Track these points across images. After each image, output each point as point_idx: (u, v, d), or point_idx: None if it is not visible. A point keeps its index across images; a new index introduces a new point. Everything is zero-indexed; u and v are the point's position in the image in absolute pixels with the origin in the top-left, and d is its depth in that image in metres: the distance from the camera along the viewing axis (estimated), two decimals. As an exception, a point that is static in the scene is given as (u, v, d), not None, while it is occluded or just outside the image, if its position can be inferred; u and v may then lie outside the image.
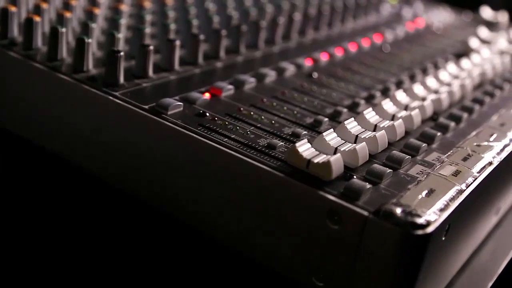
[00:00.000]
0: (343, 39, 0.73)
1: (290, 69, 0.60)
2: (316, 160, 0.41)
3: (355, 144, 0.43)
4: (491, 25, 0.92)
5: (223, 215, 0.44)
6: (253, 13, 0.70)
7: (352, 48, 0.71)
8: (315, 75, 0.60)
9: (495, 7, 0.99)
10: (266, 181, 0.41)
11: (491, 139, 0.51)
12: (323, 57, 0.66)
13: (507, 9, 1.00)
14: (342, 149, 0.43)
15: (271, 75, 0.57)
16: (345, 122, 0.46)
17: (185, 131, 0.44)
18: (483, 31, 0.82)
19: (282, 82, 0.57)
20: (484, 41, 0.79)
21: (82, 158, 0.51)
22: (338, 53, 0.68)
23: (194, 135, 0.44)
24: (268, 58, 0.63)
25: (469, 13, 0.97)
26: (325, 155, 0.41)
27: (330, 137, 0.44)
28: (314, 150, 0.42)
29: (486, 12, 0.95)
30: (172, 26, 0.59)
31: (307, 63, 0.63)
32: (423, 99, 0.55)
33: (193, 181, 0.45)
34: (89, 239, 0.47)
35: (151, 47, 0.52)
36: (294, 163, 0.41)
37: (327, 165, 0.40)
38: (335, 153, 0.43)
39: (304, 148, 0.42)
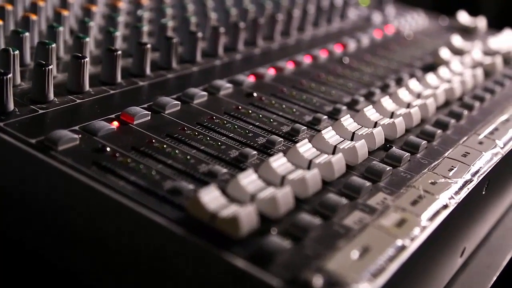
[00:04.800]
0: (300, 50, 0.66)
1: (226, 87, 0.52)
2: (222, 214, 0.33)
3: (277, 189, 0.36)
4: (468, 31, 0.84)
5: (116, 280, 0.36)
6: (193, 20, 0.62)
7: (306, 60, 0.63)
8: (255, 94, 0.53)
9: (474, 12, 0.91)
10: (160, 238, 0.33)
11: (450, 174, 0.43)
12: (270, 72, 0.58)
13: (486, 14, 0.93)
14: (261, 197, 0.35)
15: (200, 96, 0.50)
16: (271, 159, 0.39)
17: (71, 172, 0.36)
18: (457, 40, 0.74)
19: (214, 104, 0.50)
20: (457, 51, 0.71)
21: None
22: (289, 66, 0.61)
23: (81, 178, 0.36)
24: (207, 72, 0.56)
25: (445, 18, 0.90)
26: (236, 206, 0.34)
27: (248, 180, 0.36)
28: (224, 199, 0.34)
29: (463, 17, 0.87)
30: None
31: (250, 79, 0.56)
32: (375, 124, 0.48)
33: (81, 232, 0.37)
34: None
35: (50, 67, 0.44)
36: (197, 217, 0.34)
37: (234, 220, 0.32)
38: (252, 200, 0.35)
39: (210, 197, 0.34)
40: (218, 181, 0.38)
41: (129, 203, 0.34)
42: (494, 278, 0.51)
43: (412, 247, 0.35)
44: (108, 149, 0.39)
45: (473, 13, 0.90)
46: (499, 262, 0.53)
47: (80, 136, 0.40)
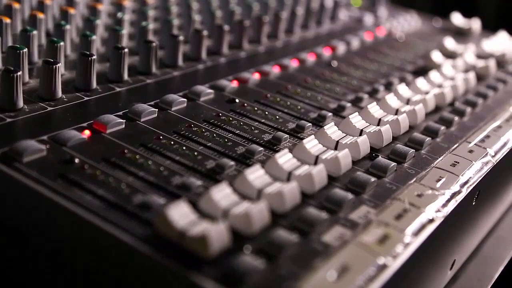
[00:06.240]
0: (287, 53, 0.64)
1: (206, 93, 0.50)
2: (191, 233, 0.31)
3: (251, 205, 0.34)
4: (463, 33, 0.82)
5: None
6: (176, 23, 0.60)
7: (293, 64, 0.61)
8: (237, 101, 0.51)
9: (473, 13, 0.89)
10: (127, 256, 0.31)
11: (438, 185, 0.42)
12: (255, 77, 0.56)
13: (485, 15, 0.91)
14: (234, 213, 0.33)
15: (179, 102, 0.48)
16: (247, 172, 0.37)
17: (35, 185, 0.34)
18: (450, 42, 0.72)
19: (193, 111, 0.47)
20: (449, 54, 0.70)
21: None
22: (275, 70, 0.59)
23: (45, 192, 0.34)
24: (188, 77, 0.54)
25: (438, 20, 0.88)
26: (207, 224, 0.32)
27: (221, 194, 0.34)
28: (194, 215, 0.32)
29: (457, 18, 0.85)
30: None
31: (233, 84, 0.53)
32: (361, 132, 0.46)
33: (43, 254, 0.35)
34: None
35: (19, 73, 0.42)
36: (165, 234, 0.32)
37: (203, 239, 0.30)
38: (225, 216, 0.33)
39: (179, 213, 0.32)
40: (192, 194, 0.36)
41: (94, 219, 0.32)
42: (486, 292, 0.49)
43: (395, 265, 0.33)
44: (76, 160, 0.37)
45: (472, 14, 0.88)
46: (491, 274, 0.52)
47: (47, 146, 0.38)
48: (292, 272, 0.31)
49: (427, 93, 0.55)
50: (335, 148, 0.43)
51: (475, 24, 0.84)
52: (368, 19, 0.82)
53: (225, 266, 0.30)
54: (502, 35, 0.80)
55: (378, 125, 0.48)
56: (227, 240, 0.31)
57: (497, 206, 0.55)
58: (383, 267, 0.32)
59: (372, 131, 0.46)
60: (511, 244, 0.56)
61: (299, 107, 0.52)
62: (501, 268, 0.52)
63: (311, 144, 0.42)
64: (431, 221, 0.37)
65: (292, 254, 0.32)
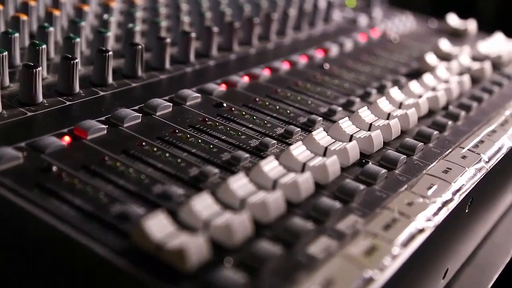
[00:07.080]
0: (278, 55, 0.63)
1: (193, 97, 0.49)
2: (168, 245, 0.30)
3: (234, 215, 0.32)
4: (458, 34, 0.81)
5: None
6: (164, 24, 0.59)
7: (284, 66, 0.60)
8: (225, 105, 0.49)
9: (464, 15, 0.88)
10: (101, 270, 0.30)
11: (429, 193, 0.40)
12: (244, 80, 0.55)
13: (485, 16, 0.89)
14: (215, 224, 0.32)
15: (164, 107, 0.46)
16: (230, 180, 0.35)
17: (9, 195, 0.33)
18: (445, 44, 0.71)
19: (179, 116, 0.46)
20: (444, 56, 0.68)
21: None
22: (265, 73, 0.57)
23: (18, 202, 0.33)
24: (176, 80, 0.53)
25: (434, 21, 0.87)
26: (186, 236, 0.31)
27: (202, 205, 0.33)
28: (172, 227, 0.31)
29: (453, 19, 0.84)
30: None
31: (221, 88, 0.52)
32: (351, 137, 0.45)
33: (17, 264, 0.34)
34: None
35: (-3, 78, 0.41)
36: (142, 247, 0.30)
37: (181, 253, 0.29)
38: (206, 227, 0.32)
39: (157, 225, 0.31)
40: (173, 203, 0.35)
41: (69, 231, 0.31)
42: (480, 300, 0.48)
43: (382, 279, 0.32)
44: (54, 168, 0.36)
45: (471, 15, 0.87)
46: (486, 282, 0.50)
47: (25, 153, 0.37)
48: (275, 286, 0.30)
49: (420, 96, 0.54)
50: (324, 155, 0.42)
51: (471, 25, 0.83)
52: (363, 20, 0.81)
53: (204, 280, 0.29)
54: (498, 36, 0.78)
55: (369, 130, 0.46)
56: (206, 253, 0.30)
57: (491, 212, 0.53)
58: (370, 280, 0.31)
59: (362, 137, 0.44)
60: (506, 251, 0.55)
61: (288, 111, 0.50)
62: (496, 276, 0.51)
63: (299, 150, 0.41)
64: (421, 231, 0.36)
65: (275, 267, 0.31)
